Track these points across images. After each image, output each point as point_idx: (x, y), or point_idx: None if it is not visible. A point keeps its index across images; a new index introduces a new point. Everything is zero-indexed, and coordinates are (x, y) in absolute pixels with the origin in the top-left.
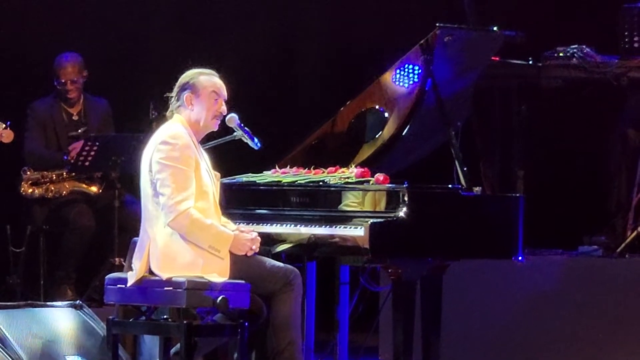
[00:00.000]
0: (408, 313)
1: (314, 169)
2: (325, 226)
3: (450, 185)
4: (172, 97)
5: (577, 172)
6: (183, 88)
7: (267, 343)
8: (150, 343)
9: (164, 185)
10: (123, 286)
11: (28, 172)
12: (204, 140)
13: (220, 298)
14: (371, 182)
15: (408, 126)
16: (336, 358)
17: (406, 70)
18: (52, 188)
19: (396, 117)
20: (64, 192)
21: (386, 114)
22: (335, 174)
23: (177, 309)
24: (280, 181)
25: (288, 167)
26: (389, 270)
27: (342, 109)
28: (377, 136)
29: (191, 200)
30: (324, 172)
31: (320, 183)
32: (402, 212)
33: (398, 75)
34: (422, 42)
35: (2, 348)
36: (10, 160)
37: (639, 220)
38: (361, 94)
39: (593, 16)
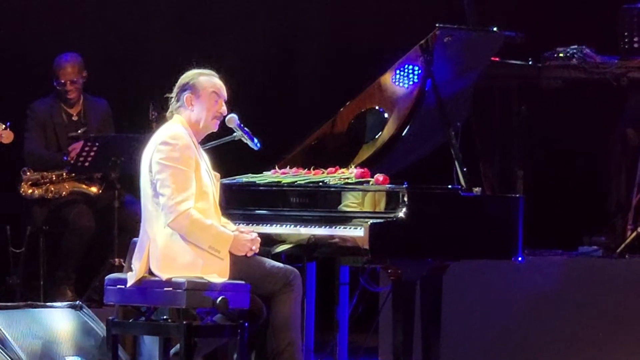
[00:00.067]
0: (408, 313)
1: (313, 169)
2: (325, 227)
3: (450, 186)
4: (171, 97)
5: (577, 173)
6: (183, 89)
7: (267, 343)
8: (150, 344)
9: (164, 185)
10: (123, 287)
11: (28, 173)
12: (204, 141)
13: (220, 298)
14: (371, 183)
15: (408, 126)
16: (336, 358)
17: (406, 70)
18: (52, 188)
19: (396, 117)
20: (64, 193)
21: (386, 115)
22: (335, 175)
23: (177, 309)
24: (280, 182)
25: (288, 167)
26: (389, 271)
27: (341, 109)
28: (376, 137)
29: (191, 200)
30: (323, 172)
31: (320, 183)
32: (401, 213)
33: (398, 76)
34: (422, 42)
35: (1, 349)
36: (10, 161)
37: (639, 221)
38: (361, 94)
39: (593, 17)
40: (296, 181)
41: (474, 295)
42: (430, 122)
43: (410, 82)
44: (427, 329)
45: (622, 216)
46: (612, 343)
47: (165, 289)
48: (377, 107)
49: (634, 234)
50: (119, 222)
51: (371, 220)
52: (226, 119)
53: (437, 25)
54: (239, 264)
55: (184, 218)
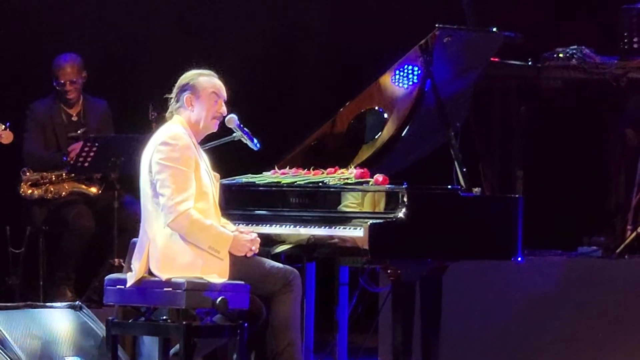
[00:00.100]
0: (407, 314)
1: (313, 169)
2: (325, 227)
3: (449, 186)
4: (171, 98)
5: (576, 173)
6: (183, 89)
7: (267, 344)
8: (150, 344)
9: (164, 186)
10: (122, 287)
11: (27, 173)
12: (204, 141)
13: (219, 299)
14: (370, 183)
15: (407, 127)
16: (335, 359)
17: (405, 71)
18: (52, 189)
19: (395, 117)
20: (64, 193)
21: (385, 115)
22: (335, 175)
23: (177, 309)
24: (279, 182)
25: (287, 167)
26: (389, 271)
27: (341, 109)
28: (376, 137)
29: (191, 201)
30: (323, 172)
31: (320, 184)
32: (401, 213)
33: (397, 76)
34: (421, 42)
35: (1, 349)
36: (9, 161)
37: (639, 221)
38: (360, 94)
39: (593, 17)
40: (296, 181)
41: (473, 296)
42: (430, 122)
43: (410, 83)
44: (426, 330)
45: (621, 216)
46: (611, 343)
47: (165, 289)
48: (376, 108)
49: (634, 234)
50: (118, 222)
51: (371, 221)
52: (226, 119)
53: (436, 25)
54: (239, 265)
55: (183, 218)
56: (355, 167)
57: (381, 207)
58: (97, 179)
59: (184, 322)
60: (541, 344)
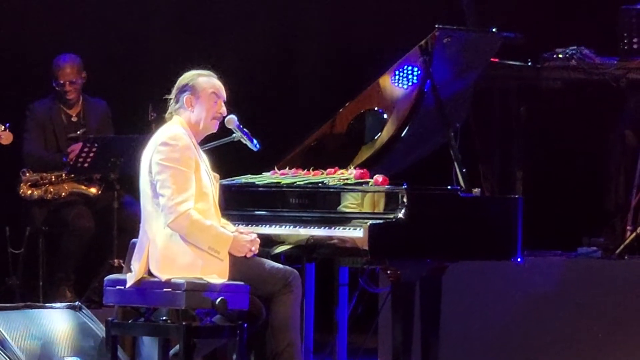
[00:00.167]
0: (407, 314)
1: (313, 170)
2: (324, 227)
3: (449, 187)
4: (170, 99)
5: (576, 174)
6: (182, 90)
7: (266, 344)
8: (149, 344)
9: (164, 186)
10: (122, 287)
11: (27, 174)
12: (203, 142)
13: (219, 299)
14: (370, 184)
15: (407, 127)
16: (335, 359)
17: (405, 71)
18: (51, 189)
19: (395, 118)
20: (63, 194)
21: (385, 115)
22: (334, 175)
23: (176, 310)
24: (279, 182)
25: (287, 168)
26: (388, 272)
27: (341, 110)
28: (376, 137)
29: (191, 201)
30: (322, 173)
31: (319, 184)
32: (401, 214)
33: (397, 77)
34: (421, 43)
35: (1, 349)
36: (9, 162)
37: (638, 222)
38: (360, 95)
39: (592, 17)
40: (295, 182)
41: (473, 296)
42: (430, 123)
43: (410, 83)
44: (426, 330)
45: (621, 217)
46: (611, 344)
47: (165, 289)
48: (376, 108)
49: (633, 234)
50: (118, 223)
51: (370, 221)
52: (225, 119)
53: (436, 26)
54: (239, 265)
55: (184, 219)
56: (354, 168)
57: (381, 207)
58: (97, 179)
59: (184, 323)
60: (541, 344)
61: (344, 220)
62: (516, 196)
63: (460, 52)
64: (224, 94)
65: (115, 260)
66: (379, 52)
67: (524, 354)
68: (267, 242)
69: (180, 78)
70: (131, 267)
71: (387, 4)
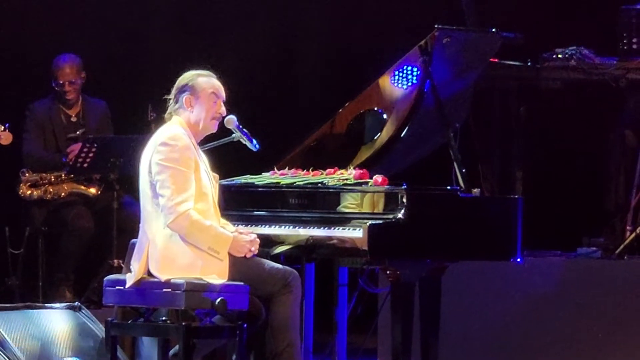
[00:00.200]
0: (407, 315)
1: (312, 170)
2: (324, 228)
3: (448, 187)
4: (170, 99)
5: (576, 174)
6: (182, 90)
7: (266, 345)
8: (149, 345)
9: (163, 186)
10: (122, 288)
11: (27, 174)
12: (203, 142)
13: (218, 300)
14: (370, 184)
15: (407, 127)
16: (335, 359)
17: (405, 71)
18: (51, 190)
19: (395, 118)
20: (63, 194)
21: (385, 116)
22: (334, 176)
23: (176, 310)
24: (278, 183)
25: (286, 168)
26: (388, 272)
27: (341, 110)
28: (375, 138)
29: (191, 201)
30: (322, 173)
31: (319, 184)
32: (400, 214)
33: (397, 77)
34: (421, 43)
35: (0, 350)
36: (9, 162)
37: (638, 222)
38: (360, 95)
39: (592, 17)
40: (295, 182)
41: (472, 297)
42: (429, 123)
43: (409, 83)
44: (426, 330)
45: (621, 217)
46: (611, 344)
47: (164, 290)
48: (376, 108)
49: (633, 235)
50: (117, 223)
51: (370, 222)
52: (225, 120)
53: (436, 26)
54: (238, 265)
55: (183, 219)
56: (354, 168)
57: (380, 207)
58: (97, 179)
59: (183, 323)
60: (541, 344)
61: (344, 220)
62: (516, 196)
63: (460, 52)
64: (223, 94)
65: (115, 261)
66: (379, 52)
67: (524, 354)
68: (267, 242)
69: (180, 78)
70: (131, 267)
71: (387, 4)
